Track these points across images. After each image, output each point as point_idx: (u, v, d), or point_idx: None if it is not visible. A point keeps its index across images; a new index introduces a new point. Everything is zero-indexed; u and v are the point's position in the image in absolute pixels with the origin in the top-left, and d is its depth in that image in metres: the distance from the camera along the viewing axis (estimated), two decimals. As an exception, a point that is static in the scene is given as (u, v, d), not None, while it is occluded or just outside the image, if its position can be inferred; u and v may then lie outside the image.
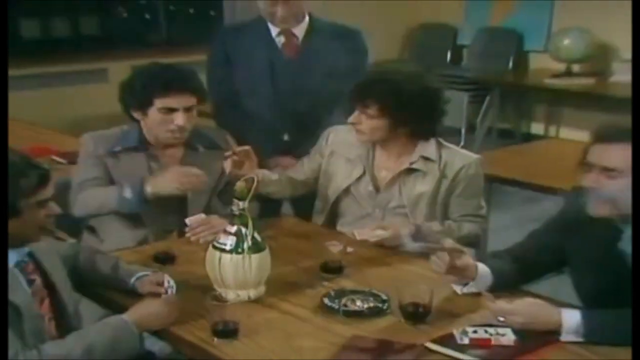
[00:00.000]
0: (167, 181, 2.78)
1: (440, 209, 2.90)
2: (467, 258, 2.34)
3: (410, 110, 2.79)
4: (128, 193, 2.80)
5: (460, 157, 2.90)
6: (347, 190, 2.96)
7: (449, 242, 2.34)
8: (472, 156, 2.95)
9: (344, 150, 2.98)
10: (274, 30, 3.40)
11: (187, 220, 2.79)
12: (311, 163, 3.08)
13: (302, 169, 3.09)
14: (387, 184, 2.91)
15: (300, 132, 3.37)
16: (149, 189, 2.78)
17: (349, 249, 2.69)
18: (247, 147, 2.87)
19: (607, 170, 2.14)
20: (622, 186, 2.12)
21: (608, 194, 2.14)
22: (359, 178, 2.94)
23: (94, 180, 2.91)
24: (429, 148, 2.88)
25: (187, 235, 2.78)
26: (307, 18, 3.42)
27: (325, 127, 3.11)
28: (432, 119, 2.87)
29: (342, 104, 3.12)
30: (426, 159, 2.87)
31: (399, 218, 2.88)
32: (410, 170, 2.88)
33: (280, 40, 3.42)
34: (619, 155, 2.12)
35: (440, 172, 2.86)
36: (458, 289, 2.35)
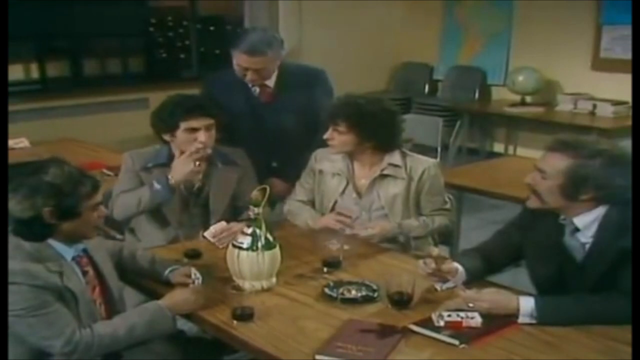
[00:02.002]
0: (179, 166, 2.77)
1: (413, 207, 2.87)
2: (451, 263, 2.31)
3: (372, 127, 2.79)
4: (157, 185, 2.80)
5: (421, 162, 2.89)
6: (336, 201, 2.92)
7: (435, 251, 2.31)
8: (430, 160, 2.94)
9: (329, 167, 2.95)
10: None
11: (206, 233, 2.75)
12: (307, 184, 3.03)
13: (303, 191, 3.04)
14: (366, 190, 2.89)
15: (285, 159, 3.29)
16: (171, 177, 2.78)
17: (346, 247, 2.65)
18: None
19: (540, 172, 2.17)
20: (547, 186, 2.15)
21: (538, 190, 2.18)
22: (344, 189, 2.91)
23: (130, 191, 2.89)
24: (394, 157, 2.87)
25: (212, 240, 2.73)
26: (276, 70, 3.27)
27: (307, 153, 3.06)
28: (391, 134, 2.87)
29: (318, 132, 3.11)
30: (393, 165, 2.85)
31: (382, 219, 2.85)
32: (383, 176, 2.86)
33: (256, 90, 3.29)
34: (551, 162, 2.15)
35: (408, 176, 2.85)
36: (438, 286, 2.30)
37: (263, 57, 3.12)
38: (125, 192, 2.89)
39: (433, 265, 2.27)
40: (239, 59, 3.15)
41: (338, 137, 2.82)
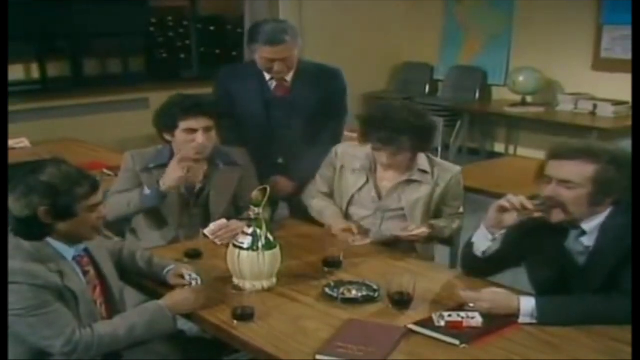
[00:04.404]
0: (170, 172, 2.76)
1: (432, 212, 2.87)
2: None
3: (425, 139, 2.80)
4: (147, 190, 2.80)
5: (448, 169, 2.89)
6: (353, 196, 2.91)
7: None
8: (456, 167, 2.94)
9: (350, 162, 2.94)
10: (267, 75, 3.28)
11: (206, 231, 2.74)
12: (326, 177, 3.01)
13: (322, 182, 3.02)
14: (388, 192, 2.87)
15: (292, 156, 3.30)
16: (161, 184, 2.78)
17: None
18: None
19: (564, 182, 2.12)
20: (576, 196, 2.10)
21: (563, 202, 2.12)
22: (363, 186, 2.89)
23: (125, 191, 2.88)
24: (423, 162, 2.86)
25: (212, 238, 2.73)
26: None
27: (312, 151, 3.06)
28: (431, 142, 2.86)
29: (327, 130, 3.16)
30: (422, 171, 2.85)
31: (397, 219, 2.84)
32: (409, 181, 2.85)
33: (273, 84, 3.30)
34: (574, 170, 2.11)
35: (434, 182, 2.84)
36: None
37: (285, 45, 3.14)
38: (120, 192, 2.89)
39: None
40: (263, 52, 3.16)
41: (403, 154, 2.76)
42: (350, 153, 2.94)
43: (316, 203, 3.00)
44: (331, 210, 2.94)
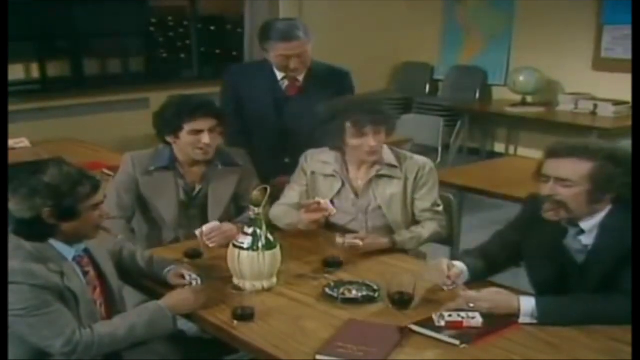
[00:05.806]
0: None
1: (410, 207, 2.86)
2: (456, 268, 2.28)
3: (391, 124, 2.83)
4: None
5: (416, 162, 2.88)
6: (332, 203, 2.82)
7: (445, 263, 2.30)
8: (426, 159, 2.92)
9: (321, 168, 2.92)
10: (279, 74, 3.29)
11: (197, 232, 2.69)
12: (300, 186, 2.96)
13: (294, 194, 2.95)
14: (363, 190, 2.86)
15: (299, 156, 3.30)
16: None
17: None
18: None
19: (561, 181, 2.12)
20: (574, 194, 2.10)
21: (562, 200, 2.12)
22: (340, 190, 2.88)
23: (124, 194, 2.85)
24: (389, 156, 2.86)
25: (204, 240, 2.68)
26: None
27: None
28: (394, 129, 2.89)
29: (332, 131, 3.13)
30: (390, 165, 2.84)
31: (380, 220, 2.83)
32: (379, 177, 2.84)
33: (284, 83, 3.30)
34: (570, 168, 2.11)
35: (404, 176, 2.83)
36: (446, 287, 2.28)
37: (299, 41, 3.14)
38: (116, 189, 2.87)
39: (444, 271, 2.24)
40: (278, 49, 3.16)
41: (382, 141, 2.78)
42: (319, 159, 2.92)
43: (276, 208, 2.92)
44: (292, 212, 2.86)
